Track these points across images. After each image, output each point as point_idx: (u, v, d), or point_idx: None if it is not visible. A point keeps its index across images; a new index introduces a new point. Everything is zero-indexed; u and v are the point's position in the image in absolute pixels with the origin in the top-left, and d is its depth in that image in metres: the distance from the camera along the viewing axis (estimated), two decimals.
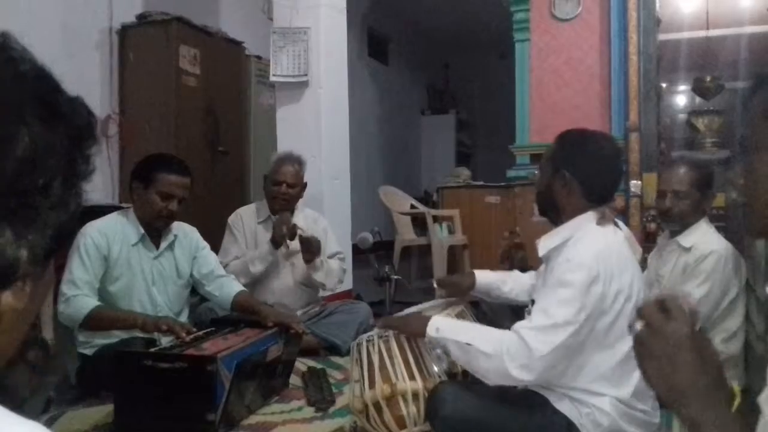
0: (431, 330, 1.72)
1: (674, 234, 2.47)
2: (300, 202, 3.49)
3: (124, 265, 2.61)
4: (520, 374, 1.56)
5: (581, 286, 1.55)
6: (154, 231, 2.70)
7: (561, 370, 1.61)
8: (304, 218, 3.41)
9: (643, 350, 0.83)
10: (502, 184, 5.11)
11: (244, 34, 4.99)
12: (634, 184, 4.36)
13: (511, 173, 5.16)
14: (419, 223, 5.44)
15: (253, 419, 2.31)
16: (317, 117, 4.06)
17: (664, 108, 5.61)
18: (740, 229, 2.70)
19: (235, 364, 2.11)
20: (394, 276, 3.12)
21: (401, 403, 1.79)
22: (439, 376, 1.85)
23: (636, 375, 1.62)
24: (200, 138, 4.43)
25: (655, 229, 4.05)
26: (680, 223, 2.43)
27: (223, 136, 4.63)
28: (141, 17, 4.27)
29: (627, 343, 1.60)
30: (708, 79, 5.13)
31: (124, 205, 3.16)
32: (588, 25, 4.94)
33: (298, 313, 3.31)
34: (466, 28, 8.74)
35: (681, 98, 6.31)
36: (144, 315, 2.52)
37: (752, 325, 2.30)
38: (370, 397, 1.82)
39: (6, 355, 0.54)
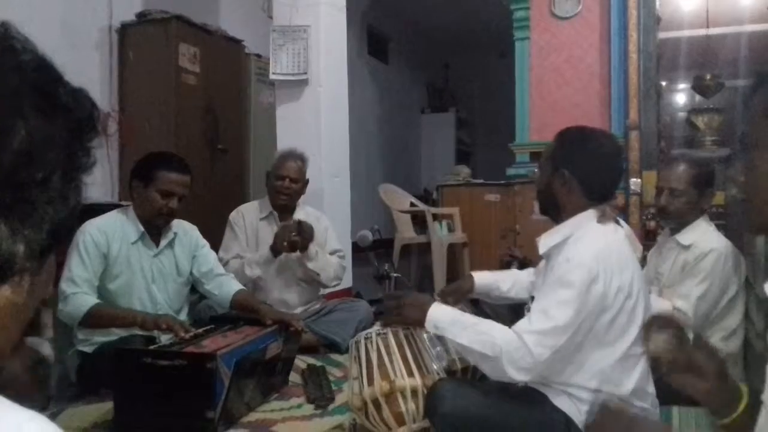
0: (429, 326, 1.72)
1: (674, 232, 2.46)
2: (301, 200, 3.50)
3: (123, 263, 2.61)
4: (518, 375, 1.57)
5: (581, 286, 1.55)
6: (154, 229, 2.70)
7: (559, 368, 1.61)
8: (305, 216, 3.41)
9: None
10: (502, 182, 5.11)
11: (244, 32, 4.98)
12: (634, 182, 4.37)
13: (510, 171, 5.16)
14: (419, 222, 5.44)
15: (253, 416, 2.32)
16: (317, 115, 4.05)
17: (664, 106, 5.61)
18: (740, 227, 2.70)
19: (235, 361, 2.11)
20: (394, 274, 3.12)
21: (400, 400, 1.79)
22: (438, 373, 1.85)
23: (636, 372, 1.63)
24: (200, 136, 4.42)
25: (654, 227, 4.05)
26: (677, 220, 2.43)
27: (222, 134, 4.62)
28: (141, 15, 4.27)
29: (627, 341, 1.61)
30: (708, 77, 5.13)
31: (123, 203, 3.16)
32: (588, 24, 4.93)
33: (298, 310, 3.32)
34: (466, 27, 8.73)
35: (681, 96, 6.31)
36: (143, 313, 2.52)
37: (752, 323, 2.30)
38: (369, 395, 1.82)
39: (4, 350, 0.54)
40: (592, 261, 1.58)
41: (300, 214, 3.39)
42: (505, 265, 2.48)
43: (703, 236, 2.36)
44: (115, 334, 2.55)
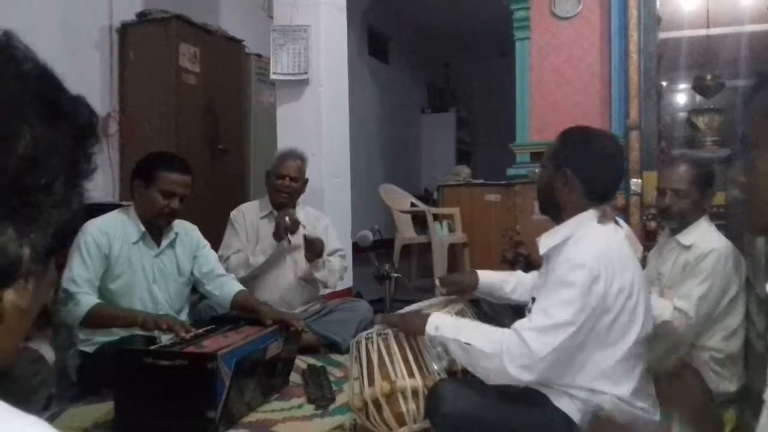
0: (430, 328, 1.72)
1: (674, 232, 2.46)
2: (301, 200, 3.51)
3: (124, 263, 2.62)
4: (519, 374, 1.56)
5: (582, 286, 1.55)
6: (155, 229, 2.70)
7: (561, 369, 1.61)
8: (305, 215, 3.43)
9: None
10: (503, 182, 5.11)
11: (244, 32, 4.98)
12: (635, 183, 4.36)
13: (511, 171, 5.16)
14: (419, 222, 5.44)
15: (254, 417, 2.32)
16: (317, 115, 4.05)
17: (665, 106, 5.61)
18: (740, 227, 2.70)
19: (235, 361, 2.11)
20: (394, 274, 3.11)
21: (401, 401, 1.79)
22: (439, 374, 1.85)
23: (636, 373, 1.63)
24: (200, 136, 4.43)
25: (655, 227, 4.05)
26: (680, 221, 2.43)
27: (223, 134, 4.63)
28: (141, 15, 4.27)
29: (627, 342, 1.61)
30: (708, 77, 5.13)
31: (124, 203, 3.16)
32: (588, 24, 4.93)
33: (298, 310, 3.33)
34: (467, 27, 8.73)
35: (681, 96, 6.31)
36: (144, 313, 2.52)
37: (752, 323, 2.30)
38: (369, 395, 1.82)
39: (8, 352, 0.54)
40: (593, 261, 1.58)
41: (300, 214, 3.40)
42: (510, 264, 2.48)
43: (704, 236, 2.35)
44: (115, 334, 2.55)
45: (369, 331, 1.95)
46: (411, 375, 1.80)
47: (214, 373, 2.03)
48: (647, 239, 3.92)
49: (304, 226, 3.28)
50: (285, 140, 3.99)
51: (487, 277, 2.21)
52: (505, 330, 1.61)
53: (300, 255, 3.32)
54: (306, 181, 3.47)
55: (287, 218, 3.22)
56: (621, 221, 1.81)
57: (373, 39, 8.46)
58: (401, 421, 1.79)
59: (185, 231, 2.82)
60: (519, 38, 5.17)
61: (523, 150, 5.13)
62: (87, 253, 2.51)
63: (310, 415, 2.37)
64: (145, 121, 4.20)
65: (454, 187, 5.49)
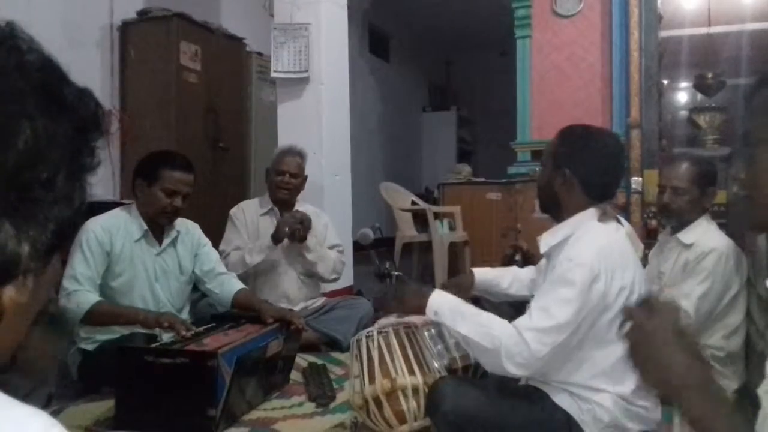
0: (429, 312, 1.71)
1: (675, 231, 2.46)
2: (301, 198, 3.52)
3: (126, 260, 2.62)
4: (516, 371, 1.57)
5: (583, 285, 1.55)
6: (157, 227, 2.70)
7: (559, 365, 1.61)
8: (304, 212, 3.43)
9: (635, 350, 0.83)
10: (503, 180, 5.11)
11: (245, 30, 4.98)
12: (635, 181, 4.36)
13: (512, 170, 5.16)
14: (420, 220, 5.43)
15: (254, 414, 2.32)
16: (318, 113, 4.05)
17: (666, 105, 5.60)
18: (741, 226, 2.70)
19: (236, 359, 2.11)
20: (395, 272, 3.11)
21: (401, 398, 1.79)
22: (439, 372, 1.85)
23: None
24: (201, 134, 4.43)
25: (655, 225, 4.05)
26: (679, 219, 2.43)
27: (223, 132, 4.63)
28: (142, 13, 4.27)
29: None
30: (709, 75, 5.12)
31: (125, 201, 3.16)
32: (589, 22, 4.93)
33: (299, 306, 3.33)
34: (468, 25, 8.73)
35: (682, 95, 6.30)
36: (145, 311, 2.52)
37: (753, 321, 2.30)
38: (370, 393, 1.82)
39: (8, 350, 0.54)
40: (594, 260, 1.57)
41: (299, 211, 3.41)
42: (509, 258, 2.47)
43: (705, 235, 2.36)
44: (116, 332, 2.55)
45: (369, 329, 1.95)
46: (411, 373, 1.80)
47: (214, 371, 2.03)
48: (648, 238, 3.92)
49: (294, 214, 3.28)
50: (286, 138, 3.99)
51: (483, 274, 2.21)
52: (505, 325, 1.61)
53: (297, 248, 3.34)
54: (305, 178, 3.49)
55: (287, 228, 3.21)
56: (622, 220, 1.80)
57: (374, 37, 8.46)
58: (402, 418, 1.79)
59: (187, 229, 2.82)
60: (520, 36, 5.16)
61: (524, 148, 5.13)
62: (89, 251, 2.52)
63: (310, 413, 2.37)
64: (146, 120, 4.20)
65: (454, 186, 5.49)
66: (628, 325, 0.85)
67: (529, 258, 2.40)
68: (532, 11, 5.07)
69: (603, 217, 1.70)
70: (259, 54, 5.04)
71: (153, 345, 2.23)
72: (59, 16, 3.83)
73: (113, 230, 2.60)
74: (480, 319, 1.66)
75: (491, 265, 2.33)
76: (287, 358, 2.63)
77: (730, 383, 2.23)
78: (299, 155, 3.45)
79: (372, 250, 3.18)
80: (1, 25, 0.51)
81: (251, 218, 3.43)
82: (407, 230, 5.36)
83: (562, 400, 1.63)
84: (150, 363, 2.07)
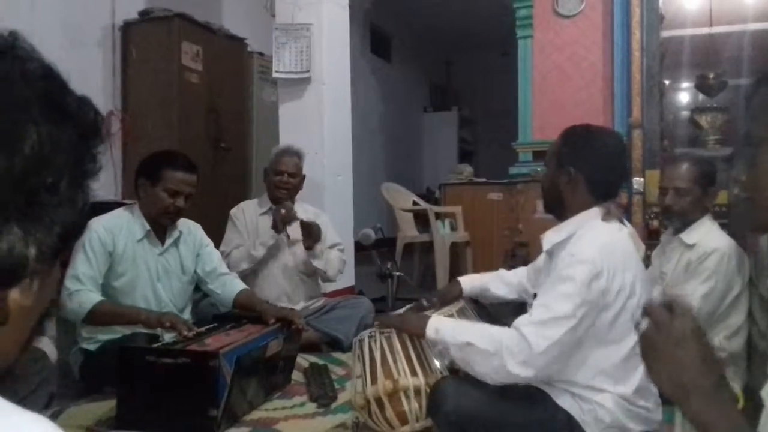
0: (431, 331, 1.72)
1: (677, 231, 2.46)
2: (301, 197, 3.54)
3: (128, 260, 2.62)
4: (520, 371, 1.55)
5: (583, 281, 1.55)
6: (160, 227, 2.70)
7: (560, 366, 1.60)
8: (304, 212, 3.45)
9: (649, 348, 0.83)
10: (505, 181, 5.11)
11: (247, 30, 4.98)
12: (637, 181, 4.36)
13: (513, 170, 5.15)
14: (421, 220, 5.44)
15: (255, 415, 2.32)
16: (320, 113, 4.05)
17: (667, 105, 5.60)
18: (743, 226, 2.69)
19: (235, 359, 2.11)
20: (397, 273, 3.12)
21: (403, 399, 1.79)
22: (441, 372, 1.85)
23: (639, 372, 1.62)
24: (202, 135, 4.43)
25: (657, 226, 4.05)
26: (682, 219, 2.43)
27: (225, 132, 4.63)
28: (143, 14, 4.28)
29: (630, 340, 1.60)
30: (711, 76, 5.11)
31: (126, 201, 3.16)
32: (591, 22, 4.93)
33: (300, 306, 3.33)
34: (469, 25, 8.73)
35: (684, 95, 6.29)
36: (147, 311, 2.52)
37: (755, 322, 2.30)
38: (372, 393, 1.82)
39: (13, 352, 0.54)
40: (596, 257, 1.57)
41: (298, 210, 3.41)
42: (510, 257, 2.48)
43: (707, 235, 2.35)
44: (118, 332, 2.55)
45: (371, 329, 1.95)
46: (413, 373, 1.80)
47: (216, 371, 2.03)
48: (649, 238, 3.92)
49: (301, 220, 3.30)
50: (287, 138, 3.99)
51: (469, 282, 2.21)
52: (505, 328, 1.61)
53: (300, 248, 3.35)
54: (304, 177, 3.51)
55: (282, 210, 3.26)
56: (624, 221, 1.81)
57: (376, 37, 8.46)
58: (403, 419, 1.79)
59: (189, 229, 2.82)
60: (522, 36, 5.16)
61: (526, 149, 5.13)
62: (91, 251, 2.52)
63: (312, 414, 2.37)
64: (148, 120, 4.21)
65: (456, 186, 5.49)
66: (645, 322, 0.84)
67: (528, 261, 2.40)
68: (534, 11, 5.07)
69: (607, 216, 1.70)
70: (261, 54, 5.05)
71: (155, 345, 2.23)
72: (61, 16, 3.83)
73: (116, 230, 2.60)
74: (479, 327, 1.70)
75: (493, 264, 2.33)
76: (288, 358, 2.63)
77: (732, 384, 2.23)
78: (297, 155, 3.47)
79: (373, 251, 3.19)
80: (3, 34, 0.52)
81: (251, 218, 3.45)
82: (408, 230, 5.36)
83: (563, 401, 1.63)
84: (152, 363, 2.07)
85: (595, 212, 1.70)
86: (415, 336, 1.85)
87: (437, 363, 1.88)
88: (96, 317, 2.48)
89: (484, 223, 5.13)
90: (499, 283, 2.19)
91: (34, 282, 0.51)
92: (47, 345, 2.12)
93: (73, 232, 0.53)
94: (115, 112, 4.18)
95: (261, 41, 4.92)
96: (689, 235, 2.40)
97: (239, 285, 2.86)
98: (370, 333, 1.92)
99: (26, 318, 0.53)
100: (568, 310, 1.54)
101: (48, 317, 0.57)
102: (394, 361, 1.82)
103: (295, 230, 3.32)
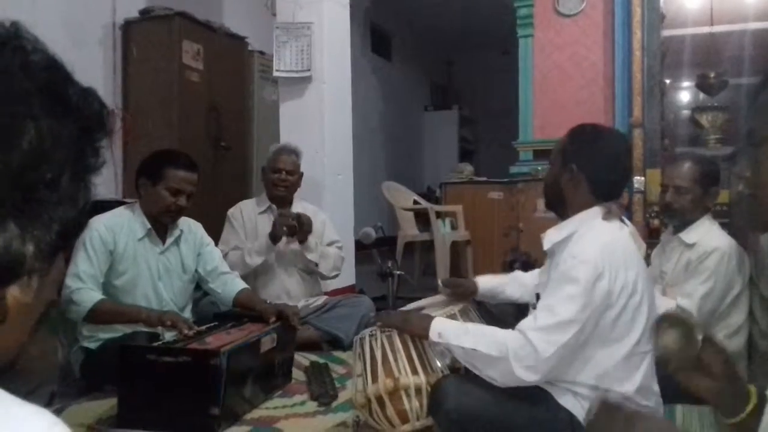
0: (433, 335, 1.72)
1: (677, 230, 2.46)
2: (300, 195, 3.55)
3: (129, 259, 2.62)
4: (526, 375, 1.55)
5: (587, 282, 1.55)
6: (160, 226, 2.71)
7: (565, 367, 1.60)
8: (302, 210, 3.46)
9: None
10: (505, 180, 5.11)
11: (247, 29, 4.98)
12: (638, 180, 4.36)
13: (514, 169, 5.15)
14: (422, 219, 5.44)
15: (256, 413, 2.32)
16: (320, 112, 4.05)
17: (668, 104, 5.59)
18: (744, 225, 2.69)
19: (227, 356, 2.09)
20: (397, 271, 3.11)
21: (404, 398, 1.79)
22: (442, 371, 1.85)
23: (640, 371, 1.62)
24: (203, 133, 4.43)
25: (658, 225, 4.05)
26: (682, 218, 2.42)
27: (225, 131, 4.63)
28: (144, 12, 4.28)
29: (631, 339, 1.60)
30: (712, 75, 5.11)
31: (127, 200, 3.16)
32: (592, 21, 4.92)
33: (300, 303, 3.33)
34: (470, 24, 8.72)
35: (685, 94, 6.28)
36: (148, 309, 2.53)
37: (755, 321, 2.30)
38: (372, 392, 1.81)
39: (12, 350, 0.54)
40: (598, 257, 1.57)
41: (297, 208, 3.43)
42: (508, 266, 2.48)
43: (707, 234, 2.35)
44: (119, 330, 2.56)
45: (372, 327, 1.94)
46: (414, 372, 1.80)
47: (217, 369, 2.03)
48: (650, 237, 3.92)
49: (293, 214, 3.30)
50: (288, 137, 3.99)
51: (486, 282, 2.20)
52: (509, 331, 1.61)
53: (296, 245, 3.35)
54: (301, 175, 3.51)
55: (284, 226, 3.23)
56: (626, 220, 1.80)
57: (376, 36, 8.45)
58: (404, 418, 1.79)
59: (189, 228, 2.82)
60: (522, 36, 5.15)
61: (526, 148, 5.13)
62: (92, 249, 2.52)
63: (312, 412, 2.37)
64: (148, 119, 4.21)
65: (456, 185, 5.49)
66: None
67: (531, 264, 2.40)
68: (535, 10, 5.07)
69: (607, 216, 1.70)
70: (262, 53, 5.05)
71: (155, 343, 2.23)
72: (62, 15, 3.83)
73: (116, 229, 2.60)
74: (483, 330, 1.68)
75: (493, 264, 2.33)
76: (285, 355, 2.62)
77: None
78: (294, 153, 3.48)
79: (374, 250, 3.18)
80: (5, 25, 0.51)
81: (249, 217, 3.46)
82: (409, 229, 5.36)
83: (565, 400, 1.63)
84: (152, 361, 2.07)
85: (595, 212, 1.70)
86: (418, 338, 1.84)
87: (438, 362, 1.87)
88: (97, 316, 2.48)
89: (484, 222, 5.13)
90: (516, 285, 2.18)
91: (33, 280, 0.51)
92: (48, 344, 2.12)
93: (73, 229, 0.52)
94: (115, 111, 4.17)
95: (262, 40, 4.92)
96: (689, 235, 2.39)
97: (240, 284, 2.86)
98: (370, 331, 1.92)
99: (26, 316, 0.52)
100: (572, 313, 1.54)
101: (48, 316, 0.57)
102: (395, 360, 1.82)
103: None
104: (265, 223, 3.38)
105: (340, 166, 4.20)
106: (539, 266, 2.14)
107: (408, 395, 1.78)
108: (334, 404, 2.43)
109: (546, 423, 1.63)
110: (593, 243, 1.61)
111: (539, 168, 4.61)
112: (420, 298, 2.24)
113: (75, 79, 0.54)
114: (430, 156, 9.82)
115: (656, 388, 1.67)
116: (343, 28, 4.27)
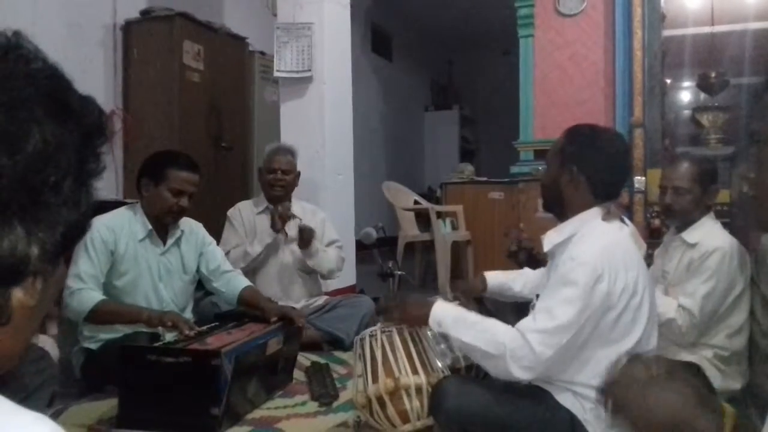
0: (433, 324, 1.72)
1: (679, 230, 2.46)
2: (298, 195, 3.56)
3: (130, 260, 2.62)
4: (522, 374, 1.57)
5: (586, 284, 1.55)
6: (161, 227, 2.71)
7: (563, 366, 1.61)
8: (301, 209, 3.47)
9: None
10: (506, 180, 5.11)
11: (248, 29, 4.98)
12: (638, 180, 4.36)
13: (514, 169, 5.15)
14: (423, 219, 5.44)
15: (257, 414, 2.32)
16: (321, 112, 4.05)
17: (669, 104, 5.59)
18: (745, 225, 2.69)
19: (234, 357, 2.11)
20: (398, 272, 3.11)
21: (404, 398, 1.79)
22: (443, 371, 1.85)
23: None
24: (204, 134, 4.43)
25: (659, 225, 4.05)
26: (682, 218, 2.42)
27: (226, 132, 4.63)
28: (145, 13, 4.28)
29: (632, 340, 1.60)
30: (713, 75, 5.11)
31: (128, 200, 3.16)
32: (592, 21, 4.92)
33: (300, 304, 3.34)
34: (470, 24, 8.72)
35: (685, 94, 6.28)
36: (149, 310, 2.53)
37: (757, 321, 2.30)
38: (373, 392, 1.82)
39: (16, 352, 0.54)
40: (597, 259, 1.57)
41: (296, 208, 3.44)
42: (513, 254, 2.47)
43: (709, 234, 2.35)
44: (119, 331, 2.55)
45: (372, 328, 1.95)
46: (415, 372, 1.80)
47: (217, 370, 2.03)
48: (651, 237, 3.92)
49: (300, 219, 3.32)
50: (288, 137, 3.99)
51: (495, 278, 2.21)
52: (509, 329, 1.61)
53: (297, 246, 3.36)
54: (298, 174, 3.52)
55: (279, 207, 3.29)
56: (626, 219, 1.80)
57: (377, 36, 8.45)
58: (405, 418, 1.79)
59: (190, 229, 2.83)
60: (523, 36, 5.16)
61: (527, 148, 5.13)
62: (93, 250, 2.52)
63: (313, 412, 2.37)
64: (149, 119, 4.21)
65: (457, 185, 5.49)
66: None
67: (535, 257, 2.40)
68: (535, 10, 5.07)
69: (607, 216, 1.70)
70: (262, 53, 5.05)
71: (156, 344, 2.23)
72: (63, 15, 3.83)
73: (117, 229, 2.60)
74: (483, 325, 1.66)
75: (494, 263, 2.33)
76: (288, 357, 2.63)
77: (733, 383, 2.23)
78: (289, 152, 3.49)
79: (375, 250, 3.19)
80: (7, 34, 0.52)
81: (248, 217, 3.48)
82: (410, 229, 5.36)
83: (565, 400, 1.63)
84: (153, 362, 2.07)
85: (595, 212, 1.70)
86: (417, 325, 1.85)
87: (438, 362, 1.88)
88: (98, 316, 2.48)
89: (485, 222, 5.13)
90: (524, 281, 2.19)
91: (37, 281, 0.51)
92: (49, 344, 2.12)
93: (77, 231, 0.53)
94: (116, 112, 4.18)
95: (262, 40, 4.92)
96: (691, 234, 2.39)
97: (243, 282, 2.86)
98: (371, 332, 1.92)
99: (29, 317, 0.53)
100: (571, 316, 1.54)
101: (49, 317, 0.57)
102: (396, 360, 1.82)
103: (293, 228, 3.33)
104: (263, 224, 3.39)
105: (341, 166, 4.21)
106: (541, 258, 2.15)
107: (408, 395, 1.79)
108: (335, 404, 2.43)
109: (546, 422, 1.63)
110: (593, 245, 1.61)
111: (540, 168, 4.61)
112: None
113: (74, 86, 0.55)
114: (430, 156, 9.82)
115: None
116: (344, 28, 4.28)
